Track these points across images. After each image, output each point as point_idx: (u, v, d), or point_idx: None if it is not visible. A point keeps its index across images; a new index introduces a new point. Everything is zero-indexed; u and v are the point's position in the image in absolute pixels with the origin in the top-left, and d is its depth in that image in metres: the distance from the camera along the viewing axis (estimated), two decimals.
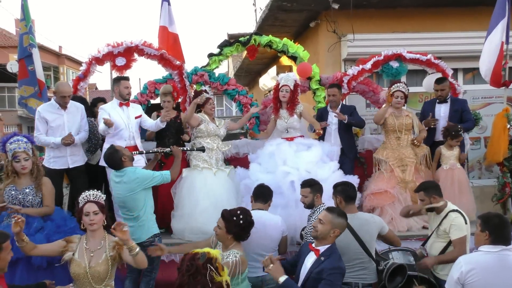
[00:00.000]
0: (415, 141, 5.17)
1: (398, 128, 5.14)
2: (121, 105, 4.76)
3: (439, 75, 5.76)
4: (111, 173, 3.96)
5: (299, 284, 3.07)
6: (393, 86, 5.23)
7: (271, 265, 2.93)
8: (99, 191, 3.27)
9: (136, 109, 4.91)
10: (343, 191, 3.64)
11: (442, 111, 5.44)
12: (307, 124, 5.34)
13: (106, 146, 4.69)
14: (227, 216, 3.34)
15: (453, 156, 5.10)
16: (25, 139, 3.83)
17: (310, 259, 3.14)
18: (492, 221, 2.74)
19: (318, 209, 3.86)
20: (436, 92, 5.50)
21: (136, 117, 4.81)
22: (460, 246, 3.53)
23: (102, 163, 4.55)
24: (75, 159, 4.72)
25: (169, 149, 4.15)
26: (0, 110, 24.97)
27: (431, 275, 3.70)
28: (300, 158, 4.76)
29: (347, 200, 3.60)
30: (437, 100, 5.51)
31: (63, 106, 4.64)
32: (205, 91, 5.21)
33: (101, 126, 4.56)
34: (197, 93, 5.18)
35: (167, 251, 3.58)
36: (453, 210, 3.67)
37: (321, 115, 5.48)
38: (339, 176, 4.61)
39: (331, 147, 5.08)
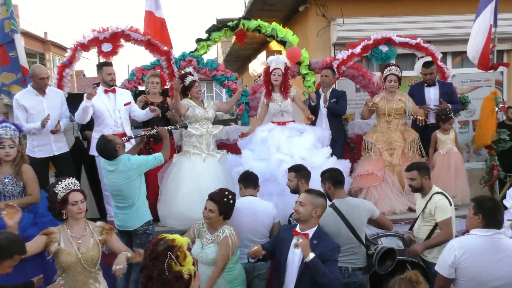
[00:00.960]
0: (418, 117, 5.07)
1: (388, 112, 5.14)
2: (106, 92, 4.67)
3: (430, 59, 5.75)
4: (102, 162, 3.91)
5: (295, 272, 3.04)
6: (386, 70, 5.21)
7: (300, 240, 2.95)
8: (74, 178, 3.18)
9: (125, 96, 4.82)
10: (331, 176, 3.65)
11: (432, 94, 5.46)
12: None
13: (94, 135, 4.63)
14: (218, 198, 3.40)
15: (449, 139, 5.11)
16: (13, 127, 3.78)
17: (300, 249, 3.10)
18: (486, 204, 2.74)
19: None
20: (425, 76, 5.51)
21: (125, 104, 4.73)
22: (446, 227, 3.58)
23: (93, 152, 4.52)
24: (60, 145, 4.67)
25: (154, 130, 4.12)
26: None
27: (419, 259, 3.76)
28: (293, 144, 4.74)
29: (335, 185, 3.60)
30: (425, 84, 5.51)
31: (42, 91, 4.55)
32: (189, 73, 5.14)
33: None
34: (182, 76, 5.10)
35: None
36: (437, 192, 3.71)
37: (316, 96, 5.45)
38: (333, 162, 4.61)
39: (323, 131, 5.08)
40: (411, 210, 4.85)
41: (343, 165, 4.70)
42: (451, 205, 3.67)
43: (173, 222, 4.50)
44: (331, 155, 4.81)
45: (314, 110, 5.40)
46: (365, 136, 5.30)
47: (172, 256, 1.95)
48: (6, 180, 3.64)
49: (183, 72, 5.77)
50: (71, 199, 3.05)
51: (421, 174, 3.76)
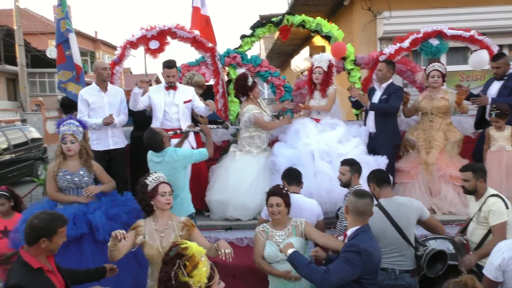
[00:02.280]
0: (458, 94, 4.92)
1: (430, 111, 4.97)
2: (167, 89, 4.80)
3: (484, 52, 5.46)
4: (149, 154, 4.02)
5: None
6: (429, 66, 5.03)
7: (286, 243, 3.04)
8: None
9: (187, 93, 4.87)
10: (373, 177, 3.58)
11: (493, 89, 5.16)
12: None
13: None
14: (280, 191, 3.44)
15: (503, 137, 4.80)
16: (77, 123, 3.90)
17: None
18: None
19: (352, 189, 3.82)
20: (492, 70, 5.24)
21: (185, 102, 4.80)
22: (499, 232, 3.37)
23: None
24: (116, 140, 4.88)
25: (198, 128, 4.31)
26: (41, 95, 26.02)
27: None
28: (323, 136, 4.78)
29: (379, 184, 3.51)
30: (494, 78, 5.23)
31: (104, 87, 4.81)
32: (248, 74, 5.08)
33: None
34: (244, 76, 4.98)
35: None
36: (493, 195, 3.51)
37: (369, 94, 5.30)
38: (360, 152, 4.56)
39: (359, 128, 4.99)
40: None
41: (378, 161, 4.58)
42: (507, 208, 3.45)
43: (235, 212, 4.58)
44: (377, 153, 4.71)
45: (360, 106, 5.30)
46: (407, 133, 5.18)
47: (180, 265, 1.87)
48: (82, 172, 3.83)
49: (227, 69, 5.85)
50: (161, 190, 3.19)
51: (476, 176, 3.56)
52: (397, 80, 6.57)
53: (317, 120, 5.02)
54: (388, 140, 5.04)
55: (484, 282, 2.68)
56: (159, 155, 3.87)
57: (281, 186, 3.55)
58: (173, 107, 4.76)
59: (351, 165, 3.91)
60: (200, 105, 4.88)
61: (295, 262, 2.91)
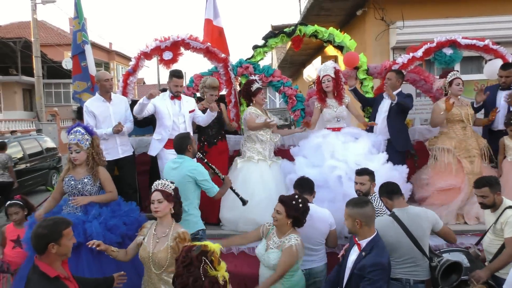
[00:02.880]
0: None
1: (464, 117, 4.89)
2: (172, 98, 4.85)
3: (499, 61, 5.41)
4: (168, 161, 4.07)
5: (344, 280, 3.01)
6: (450, 74, 5.00)
7: None
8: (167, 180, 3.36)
9: (190, 103, 4.96)
10: (382, 191, 3.59)
11: (502, 98, 5.12)
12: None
13: (154, 136, 4.86)
14: (287, 200, 3.39)
15: None
16: (83, 131, 3.90)
17: (353, 254, 3.08)
18: None
19: (373, 197, 3.80)
20: (500, 79, 5.19)
21: (190, 111, 4.88)
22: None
23: (151, 152, 4.80)
24: (125, 148, 4.93)
25: (223, 176, 4.07)
26: (56, 105, 26.49)
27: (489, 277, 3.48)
28: (348, 150, 4.65)
29: (389, 196, 3.50)
30: (500, 87, 5.19)
31: (108, 97, 4.86)
32: (256, 80, 5.15)
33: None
34: (250, 82, 5.12)
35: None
36: (510, 207, 3.44)
37: (375, 100, 5.33)
38: (389, 168, 4.47)
39: (377, 137, 4.93)
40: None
41: (400, 171, 4.53)
42: None
43: (246, 227, 4.48)
44: (387, 161, 4.65)
45: (373, 115, 5.27)
46: (438, 143, 4.95)
47: (207, 261, 1.92)
48: (86, 180, 3.84)
49: (240, 79, 5.88)
50: (152, 197, 3.22)
51: (493, 190, 3.49)
52: (410, 89, 6.56)
53: (338, 129, 4.98)
54: (403, 146, 5.02)
55: None
56: (176, 161, 3.90)
57: (296, 197, 3.44)
58: (180, 116, 4.81)
59: (370, 174, 3.88)
60: (200, 115, 4.97)
61: None
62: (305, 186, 3.93)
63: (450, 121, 4.96)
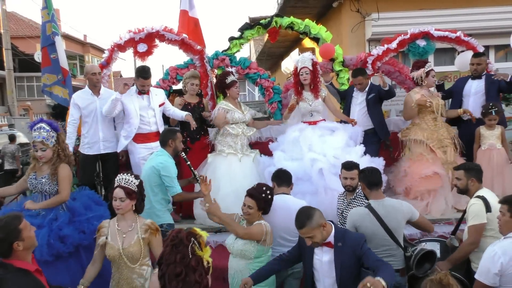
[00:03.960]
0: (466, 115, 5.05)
1: (435, 108, 4.97)
2: (140, 93, 4.76)
3: (470, 53, 5.52)
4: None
5: (330, 277, 3.03)
6: (427, 65, 5.06)
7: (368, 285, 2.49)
8: (132, 175, 3.24)
9: (159, 96, 4.89)
10: (364, 177, 3.55)
11: (474, 87, 5.23)
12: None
13: (122, 132, 4.79)
14: (257, 194, 3.42)
15: (493, 136, 4.87)
16: (47, 127, 3.69)
17: (326, 255, 3.06)
18: None
19: (359, 193, 3.84)
20: (472, 66, 5.30)
21: (160, 105, 4.81)
22: (473, 234, 3.38)
23: (118, 149, 4.80)
24: (108, 145, 4.83)
25: (200, 186, 3.96)
26: (29, 99, 25.76)
27: (464, 266, 3.55)
28: (325, 144, 4.67)
29: (369, 186, 3.51)
30: (471, 76, 5.30)
31: (96, 91, 4.77)
32: (232, 73, 5.10)
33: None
34: (225, 74, 5.06)
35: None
36: (477, 196, 3.50)
37: (346, 93, 5.39)
38: (367, 161, 4.49)
39: (354, 129, 4.96)
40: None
41: (377, 164, 4.55)
42: (489, 211, 3.37)
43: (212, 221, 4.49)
44: (365, 153, 4.70)
45: (347, 108, 5.32)
46: (411, 135, 5.02)
47: (195, 241, 2.00)
48: (43, 180, 3.68)
49: (216, 71, 5.83)
50: (114, 194, 3.15)
51: (468, 175, 3.57)
52: (385, 80, 6.63)
53: (314, 123, 4.98)
54: (386, 135, 5.14)
55: (477, 287, 2.66)
56: (155, 153, 3.94)
57: (264, 189, 3.48)
58: (150, 111, 4.74)
59: (358, 168, 3.85)
60: (170, 108, 4.90)
61: (387, 278, 2.57)
62: (283, 178, 3.94)
63: (421, 112, 5.03)
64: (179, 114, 4.88)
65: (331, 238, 3.00)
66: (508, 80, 5.07)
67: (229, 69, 5.36)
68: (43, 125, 3.71)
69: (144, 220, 3.23)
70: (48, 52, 5.38)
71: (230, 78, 4.92)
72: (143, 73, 4.68)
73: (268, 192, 3.47)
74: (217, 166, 4.72)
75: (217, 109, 4.88)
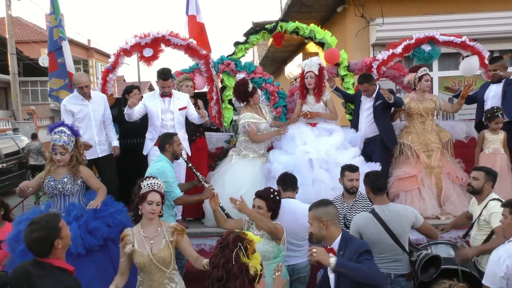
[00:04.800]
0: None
1: (422, 112, 5.02)
2: (162, 96, 4.77)
3: (474, 58, 5.52)
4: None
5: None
6: (421, 70, 5.10)
7: (314, 250, 2.61)
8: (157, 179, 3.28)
9: (182, 100, 4.85)
10: (369, 182, 3.52)
11: (492, 91, 5.21)
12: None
13: (147, 135, 4.80)
14: (265, 195, 3.48)
15: (497, 140, 4.87)
16: (68, 132, 3.73)
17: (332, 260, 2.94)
18: None
19: (359, 195, 3.88)
20: (489, 72, 5.31)
21: (180, 109, 4.79)
22: (502, 234, 3.37)
23: (144, 152, 4.76)
24: (103, 148, 4.85)
25: (207, 185, 4.01)
26: (33, 104, 25.84)
27: (473, 268, 3.56)
28: (320, 141, 4.75)
29: (374, 191, 3.48)
30: (491, 82, 5.29)
31: (86, 96, 4.74)
32: (248, 80, 5.05)
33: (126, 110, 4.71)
34: (244, 82, 4.91)
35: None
36: (494, 199, 3.54)
37: (355, 98, 5.37)
38: (359, 162, 4.52)
39: (355, 134, 5.00)
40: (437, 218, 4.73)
41: (371, 168, 4.57)
42: None
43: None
44: (374, 161, 4.73)
45: (355, 113, 5.32)
46: (399, 138, 5.14)
47: (242, 246, 1.95)
48: (65, 179, 3.72)
49: (221, 76, 5.85)
50: (149, 198, 3.12)
51: (487, 178, 3.60)
52: (390, 85, 6.64)
53: (313, 125, 5.02)
54: (394, 143, 5.10)
55: None
56: (155, 160, 3.91)
57: (271, 190, 3.54)
58: (168, 114, 4.74)
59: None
60: (193, 113, 4.88)
61: (347, 266, 2.58)
62: (288, 182, 3.95)
63: (410, 116, 5.10)
64: (196, 117, 4.86)
65: (335, 245, 2.83)
66: None
67: (240, 75, 5.37)
68: (64, 129, 3.73)
69: (168, 223, 3.23)
70: (55, 57, 5.43)
71: (251, 86, 4.90)
72: (162, 74, 4.70)
73: (275, 193, 3.55)
74: (243, 169, 4.74)
75: (246, 125, 4.76)
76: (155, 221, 3.19)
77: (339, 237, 2.85)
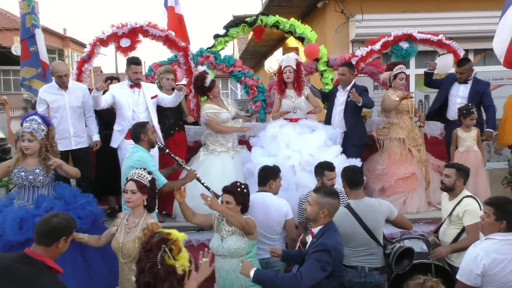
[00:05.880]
0: (419, 122, 5.20)
1: (410, 108, 5.12)
2: (131, 87, 4.67)
3: (450, 56, 5.63)
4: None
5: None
6: (396, 68, 5.15)
7: (242, 264, 2.90)
8: (145, 170, 3.26)
9: (151, 89, 4.77)
10: (345, 176, 3.57)
11: (461, 91, 5.36)
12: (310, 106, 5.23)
13: (115, 127, 4.68)
14: (232, 189, 3.45)
15: (470, 137, 4.99)
16: (39, 120, 3.68)
17: (309, 242, 3.12)
18: (509, 209, 2.65)
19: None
20: (457, 74, 5.43)
21: (152, 97, 4.71)
22: (473, 232, 3.44)
23: (113, 144, 4.63)
24: (79, 140, 4.71)
25: (189, 168, 4.09)
26: (5, 94, 25.04)
27: (445, 262, 3.65)
28: (303, 141, 4.72)
29: (350, 186, 3.53)
30: (457, 81, 5.41)
31: (63, 86, 4.61)
32: (205, 72, 4.90)
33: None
34: (201, 77, 4.82)
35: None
36: (468, 196, 3.61)
37: (330, 93, 5.39)
38: (342, 161, 4.55)
39: (334, 130, 5.00)
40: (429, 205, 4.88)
41: (353, 164, 4.59)
42: (481, 209, 3.49)
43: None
44: (344, 154, 4.75)
45: (330, 107, 5.33)
46: (392, 133, 5.10)
47: (166, 249, 1.92)
48: (37, 171, 3.64)
49: (199, 68, 5.77)
50: (126, 186, 3.17)
51: (458, 175, 3.65)
52: (368, 82, 6.72)
53: (295, 120, 5.00)
54: (360, 140, 5.08)
55: (459, 287, 2.70)
56: (131, 151, 3.84)
57: (238, 184, 3.50)
58: (141, 105, 4.65)
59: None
60: (165, 97, 4.79)
61: (262, 279, 2.84)
62: (259, 178, 3.91)
63: (399, 112, 5.15)
64: (170, 98, 4.75)
65: (316, 229, 3.01)
66: None
67: (200, 67, 5.25)
68: (35, 117, 3.70)
69: (149, 219, 3.14)
70: (28, 45, 5.25)
71: (208, 80, 4.77)
72: (133, 59, 4.62)
73: (243, 186, 3.50)
74: (211, 165, 4.67)
75: (206, 116, 4.70)
76: (137, 212, 3.18)
77: (320, 226, 2.99)
